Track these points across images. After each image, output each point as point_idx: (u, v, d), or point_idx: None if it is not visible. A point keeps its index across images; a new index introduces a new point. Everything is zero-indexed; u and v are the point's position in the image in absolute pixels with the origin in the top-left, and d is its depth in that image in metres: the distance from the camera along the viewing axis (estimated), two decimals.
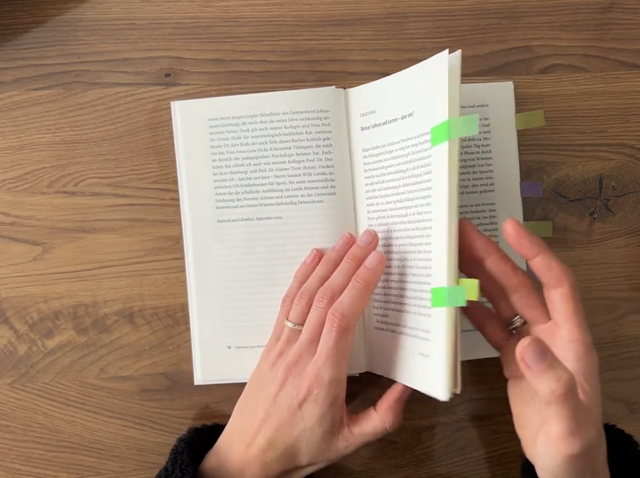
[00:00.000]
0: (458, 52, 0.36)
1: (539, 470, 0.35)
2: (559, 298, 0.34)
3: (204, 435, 0.41)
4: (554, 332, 0.35)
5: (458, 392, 0.35)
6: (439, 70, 0.37)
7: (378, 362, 0.42)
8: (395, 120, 0.40)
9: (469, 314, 0.40)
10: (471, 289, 0.34)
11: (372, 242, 0.40)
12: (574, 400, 0.31)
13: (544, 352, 0.31)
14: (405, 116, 0.40)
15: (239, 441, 0.38)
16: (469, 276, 0.36)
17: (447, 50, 0.36)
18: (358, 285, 0.38)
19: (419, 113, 0.38)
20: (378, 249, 0.40)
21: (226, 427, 0.40)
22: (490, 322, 0.39)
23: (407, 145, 0.39)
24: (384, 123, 0.41)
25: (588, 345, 0.34)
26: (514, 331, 0.39)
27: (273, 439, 0.37)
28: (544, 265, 0.34)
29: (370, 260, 0.38)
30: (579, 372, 0.34)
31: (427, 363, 0.36)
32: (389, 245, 0.41)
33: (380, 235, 0.41)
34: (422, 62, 0.39)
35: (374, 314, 0.42)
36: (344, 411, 0.38)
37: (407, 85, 0.40)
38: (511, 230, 0.34)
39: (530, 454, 0.36)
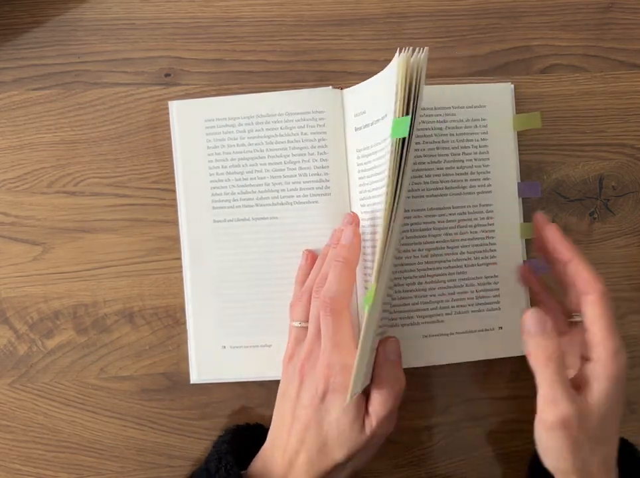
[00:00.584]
0: (425, 50, 0.35)
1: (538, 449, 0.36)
2: (588, 304, 0.36)
3: (241, 436, 0.42)
4: None
5: None
6: (395, 68, 0.36)
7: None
8: (378, 120, 0.40)
9: (537, 301, 0.43)
10: None
11: (353, 222, 0.41)
12: (554, 369, 0.34)
13: (543, 323, 0.35)
14: (385, 116, 0.40)
15: (277, 449, 0.38)
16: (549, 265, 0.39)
17: (398, 50, 0.35)
18: (338, 264, 0.38)
19: (390, 113, 0.38)
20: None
21: (267, 436, 0.40)
22: (552, 314, 0.39)
23: (387, 145, 0.39)
24: (372, 123, 0.41)
25: (612, 349, 0.35)
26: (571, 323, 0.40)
27: (304, 439, 0.37)
28: (576, 271, 0.37)
29: (344, 236, 0.39)
30: (596, 373, 0.35)
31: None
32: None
33: (377, 236, 0.41)
34: (393, 60, 0.38)
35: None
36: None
37: (385, 85, 0.40)
38: (550, 236, 0.38)
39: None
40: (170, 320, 0.45)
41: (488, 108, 0.44)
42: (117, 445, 0.45)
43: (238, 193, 0.43)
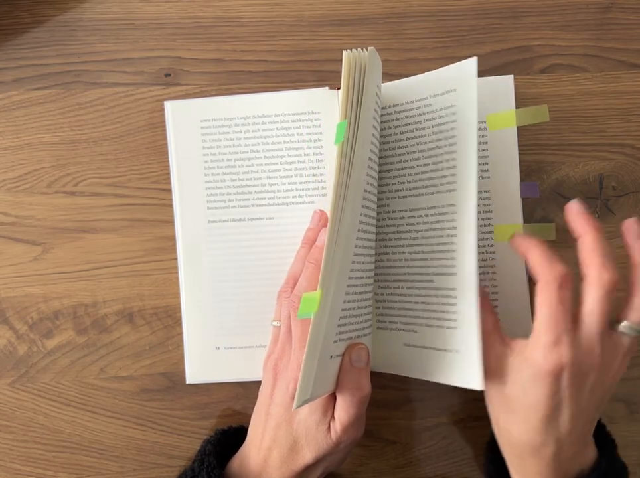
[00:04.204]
0: (370, 50, 0.36)
1: (508, 392, 0.35)
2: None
3: (230, 437, 0.42)
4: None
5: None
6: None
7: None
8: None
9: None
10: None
11: (321, 220, 0.41)
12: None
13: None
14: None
15: (253, 447, 0.39)
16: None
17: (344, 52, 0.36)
18: (310, 266, 0.38)
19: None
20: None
21: (247, 435, 0.41)
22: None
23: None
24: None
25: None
26: None
27: (276, 437, 0.38)
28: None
29: (321, 238, 0.39)
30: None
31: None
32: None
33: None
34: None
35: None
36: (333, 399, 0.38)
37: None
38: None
39: (496, 393, 0.37)
40: (170, 321, 0.45)
41: (458, 92, 0.38)
42: (117, 445, 0.45)
43: (234, 193, 0.43)
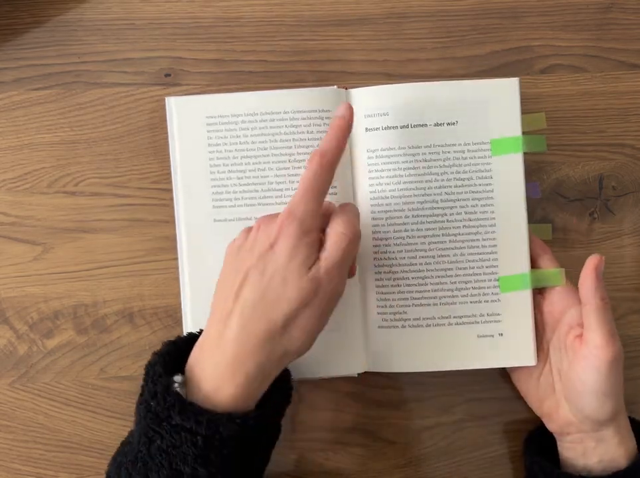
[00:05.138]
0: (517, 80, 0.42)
1: (573, 408, 0.40)
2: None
3: (181, 348, 0.37)
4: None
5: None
6: (507, 93, 0.42)
7: (404, 359, 0.42)
8: (424, 126, 0.42)
9: None
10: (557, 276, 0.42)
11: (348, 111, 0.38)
12: (610, 313, 0.38)
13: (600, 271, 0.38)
14: (442, 124, 0.42)
15: (213, 320, 0.35)
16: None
17: (517, 79, 0.42)
18: (338, 125, 0.36)
19: (466, 124, 0.42)
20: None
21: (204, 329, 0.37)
22: None
23: (447, 151, 0.42)
24: (405, 126, 0.42)
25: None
26: None
27: (239, 294, 0.34)
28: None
29: (339, 109, 0.37)
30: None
31: (499, 342, 0.42)
32: (407, 243, 0.42)
33: (393, 234, 0.42)
34: (479, 81, 0.42)
35: (384, 313, 0.42)
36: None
37: (447, 97, 0.42)
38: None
39: (555, 405, 0.41)
40: (170, 321, 0.45)
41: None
42: (117, 445, 0.45)
43: (240, 192, 0.43)
